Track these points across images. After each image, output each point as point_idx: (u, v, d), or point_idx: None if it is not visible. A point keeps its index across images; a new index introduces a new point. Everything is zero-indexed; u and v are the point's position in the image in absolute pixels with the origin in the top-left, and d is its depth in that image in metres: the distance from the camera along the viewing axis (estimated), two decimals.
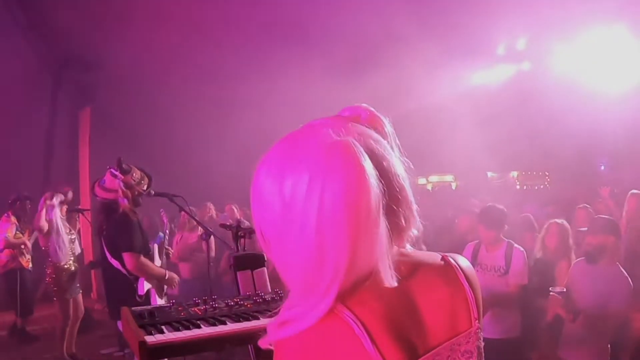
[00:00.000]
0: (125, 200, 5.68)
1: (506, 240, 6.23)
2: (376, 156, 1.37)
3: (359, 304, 1.30)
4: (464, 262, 1.57)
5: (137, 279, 5.65)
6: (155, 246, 6.43)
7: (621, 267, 5.44)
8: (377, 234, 1.30)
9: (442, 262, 1.53)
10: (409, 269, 1.44)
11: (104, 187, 5.76)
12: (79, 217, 9.87)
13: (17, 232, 9.81)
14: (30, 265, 9.96)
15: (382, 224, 1.31)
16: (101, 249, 5.90)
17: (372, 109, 1.56)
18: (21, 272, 9.70)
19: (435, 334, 1.40)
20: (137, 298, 5.60)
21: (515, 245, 6.18)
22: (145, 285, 5.69)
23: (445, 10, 10.66)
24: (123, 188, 5.68)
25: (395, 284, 1.36)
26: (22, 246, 9.75)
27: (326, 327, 1.28)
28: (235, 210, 11.11)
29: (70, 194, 9.21)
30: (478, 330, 1.49)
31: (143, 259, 5.67)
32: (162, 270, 6.02)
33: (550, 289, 5.56)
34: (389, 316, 1.32)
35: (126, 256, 5.55)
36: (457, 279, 1.51)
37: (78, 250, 9.24)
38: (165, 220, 8.11)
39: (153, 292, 5.81)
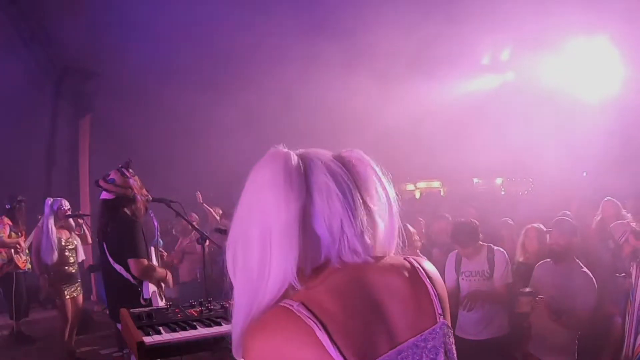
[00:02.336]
0: (141, 198, 5.65)
1: (486, 245, 6.24)
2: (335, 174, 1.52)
3: (319, 307, 1.36)
4: (427, 264, 1.63)
5: (141, 283, 5.54)
6: (152, 249, 6.41)
7: (580, 263, 5.56)
8: (295, 233, 1.43)
9: (405, 263, 1.58)
10: (373, 271, 1.48)
11: (116, 184, 5.62)
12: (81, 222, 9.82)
13: (12, 232, 9.77)
14: (28, 266, 9.90)
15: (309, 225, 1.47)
16: (101, 252, 5.79)
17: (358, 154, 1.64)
18: (17, 274, 9.64)
19: (400, 332, 1.43)
20: (142, 301, 5.47)
21: (495, 247, 6.20)
22: (150, 288, 5.64)
23: (431, 22, 10.68)
24: (137, 187, 5.65)
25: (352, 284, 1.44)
26: (18, 246, 9.70)
27: (289, 330, 1.33)
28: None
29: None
30: (444, 326, 1.51)
31: (148, 263, 5.60)
32: (164, 271, 5.98)
33: (520, 290, 5.64)
34: (350, 317, 1.37)
35: (132, 262, 5.41)
36: (419, 277, 1.55)
37: (82, 256, 9.19)
38: (155, 223, 8.14)
39: (153, 296, 5.78)
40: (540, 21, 10.96)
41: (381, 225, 1.55)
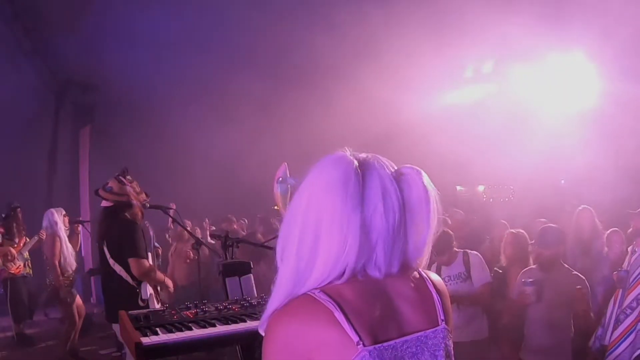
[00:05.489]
0: (138, 204, 5.64)
1: (461, 250, 6.26)
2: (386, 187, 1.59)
3: (337, 293, 1.49)
4: (434, 276, 1.76)
5: (139, 283, 5.52)
6: (149, 254, 6.40)
7: (569, 267, 5.59)
8: (340, 229, 1.52)
9: (415, 274, 1.69)
10: (386, 275, 1.58)
11: (113, 192, 5.63)
12: (79, 227, 9.79)
13: (5, 239, 9.68)
14: (25, 271, 9.78)
15: (355, 224, 1.52)
16: (102, 255, 5.77)
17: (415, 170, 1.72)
18: (12, 280, 9.51)
19: (407, 325, 1.57)
20: (140, 302, 5.46)
21: (470, 251, 6.23)
22: (148, 290, 5.62)
23: (416, 35, 10.70)
24: (134, 193, 5.64)
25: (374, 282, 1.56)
26: (8, 254, 9.59)
27: (310, 312, 1.47)
28: (232, 222, 11.17)
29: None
30: (445, 329, 1.63)
31: (149, 264, 5.59)
32: (162, 275, 5.96)
33: (522, 280, 5.63)
34: (365, 303, 1.50)
35: (132, 262, 5.40)
36: (427, 287, 1.68)
37: (75, 264, 9.13)
38: (151, 233, 8.13)
39: (150, 298, 5.75)
40: (520, 36, 11.00)
41: (412, 248, 1.63)
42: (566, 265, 5.61)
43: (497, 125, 12.28)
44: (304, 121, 12.92)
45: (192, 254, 9.30)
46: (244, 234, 10.34)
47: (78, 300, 8.91)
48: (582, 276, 5.47)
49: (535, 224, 8.00)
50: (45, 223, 8.75)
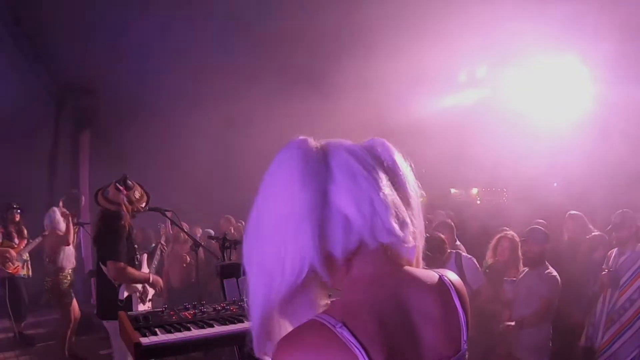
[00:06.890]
0: (127, 214, 5.70)
1: (453, 251, 6.27)
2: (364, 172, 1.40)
3: (361, 329, 1.25)
4: (453, 276, 1.55)
5: (119, 284, 5.69)
6: (145, 255, 6.45)
7: (549, 266, 5.72)
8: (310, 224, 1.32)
9: (439, 282, 1.49)
10: (408, 287, 1.41)
11: (108, 198, 5.77)
12: (79, 229, 9.80)
13: (5, 240, 9.69)
14: (24, 272, 9.77)
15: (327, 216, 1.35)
16: (96, 254, 5.97)
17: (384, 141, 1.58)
18: (10, 280, 9.52)
19: (430, 354, 1.37)
20: (118, 302, 5.64)
21: (463, 253, 6.24)
22: (125, 291, 5.75)
23: (410, 41, 10.71)
24: (126, 203, 5.69)
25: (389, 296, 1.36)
26: (7, 255, 9.57)
27: (332, 354, 1.22)
28: (231, 221, 11.19)
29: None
30: (465, 352, 1.46)
31: (125, 267, 5.66)
32: (146, 275, 6.00)
33: (505, 278, 5.68)
34: (388, 340, 1.27)
35: (110, 264, 5.57)
36: (452, 301, 1.48)
37: (74, 263, 9.12)
38: (170, 231, 8.05)
39: (134, 298, 5.87)
40: (513, 40, 11.03)
41: (410, 210, 1.45)
42: (547, 264, 5.70)
43: (491, 129, 12.28)
44: (303, 122, 12.93)
45: (188, 258, 9.35)
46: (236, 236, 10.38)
47: (74, 301, 8.91)
48: (554, 275, 5.54)
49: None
50: (46, 221, 8.75)
